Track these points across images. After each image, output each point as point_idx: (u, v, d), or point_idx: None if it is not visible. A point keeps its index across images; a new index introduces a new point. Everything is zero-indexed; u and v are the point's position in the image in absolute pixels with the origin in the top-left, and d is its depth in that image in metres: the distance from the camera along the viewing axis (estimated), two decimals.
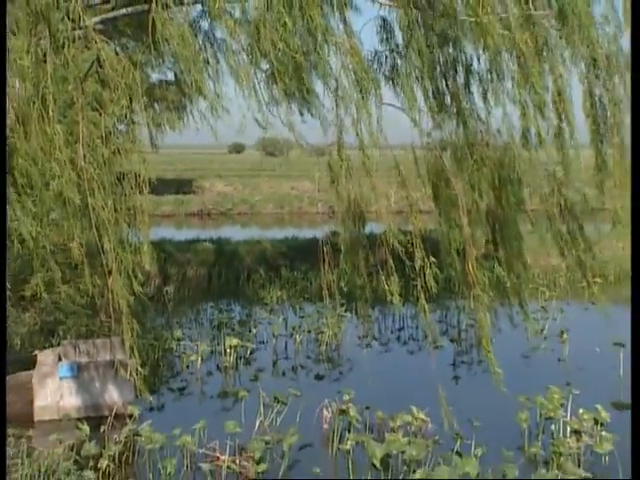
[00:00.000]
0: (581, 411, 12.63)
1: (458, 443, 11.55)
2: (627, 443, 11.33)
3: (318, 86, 11.06)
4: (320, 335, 18.72)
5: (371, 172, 10.89)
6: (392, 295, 11.20)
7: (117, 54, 10.43)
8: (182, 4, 11.30)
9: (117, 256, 9.93)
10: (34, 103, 9.63)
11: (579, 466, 11.16)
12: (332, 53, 10.75)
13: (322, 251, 11.46)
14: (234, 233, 36.57)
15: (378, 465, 11.06)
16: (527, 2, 10.48)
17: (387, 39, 12.10)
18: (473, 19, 10.43)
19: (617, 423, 12.41)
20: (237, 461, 11.41)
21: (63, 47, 9.87)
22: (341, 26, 10.83)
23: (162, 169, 50.47)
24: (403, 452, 11.25)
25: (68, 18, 9.92)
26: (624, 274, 24.85)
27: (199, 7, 11.43)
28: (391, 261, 11.24)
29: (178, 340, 18.17)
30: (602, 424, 12.35)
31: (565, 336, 18.72)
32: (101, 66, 10.34)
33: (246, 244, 30.88)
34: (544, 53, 10.95)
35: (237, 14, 10.94)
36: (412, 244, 11.22)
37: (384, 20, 11.94)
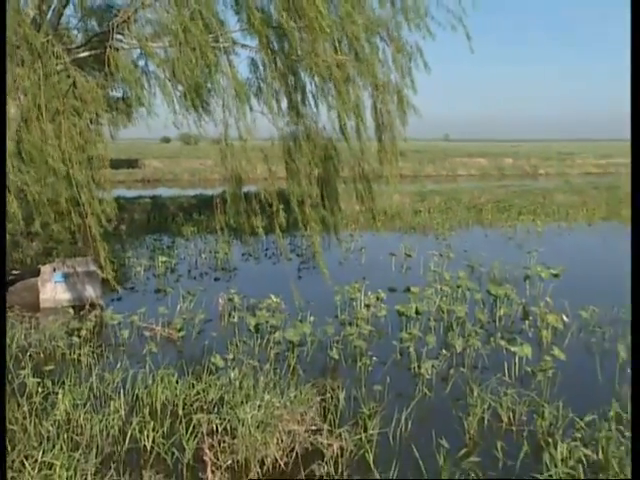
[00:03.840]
0: (370, 293, 13.43)
1: (300, 315, 12.13)
2: (394, 311, 12.34)
3: (213, 98, 11.51)
4: (217, 254, 18.97)
5: (246, 153, 11.43)
6: (258, 228, 11.80)
7: (86, 80, 10.54)
8: (127, 48, 11.61)
9: (90, 205, 10.23)
10: (33, 110, 9.79)
11: (368, 324, 11.84)
12: (221, 79, 11.23)
13: (216, 202, 11.96)
14: (164, 192, 36.24)
15: (252, 330, 11.48)
16: (336, 51, 11.02)
17: (254, 71, 12.51)
18: (308, 59, 11.01)
19: (390, 299, 13.26)
20: (166, 330, 11.78)
21: (51, 75, 10.05)
22: (226, 62, 11.30)
23: (118, 153, 49.80)
24: (267, 322, 11.71)
25: (54, 57, 10.12)
26: (395, 214, 25.95)
27: (138, 50, 11.65)
28: (258, 208, 11.82)
29: (128, 258, 18.30)
30: (381, 300, 13.17)
31: (362, 251, 19.61)
32: (76, 87, 10.53)
33: (171, 199, 31.16)
34: (348, 81, 11.48)
35: (162, 55, 11.29)
36: (272, 197, 11.85)
37: (252, 59, 12.37)
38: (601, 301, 12.99)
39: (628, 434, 7.42)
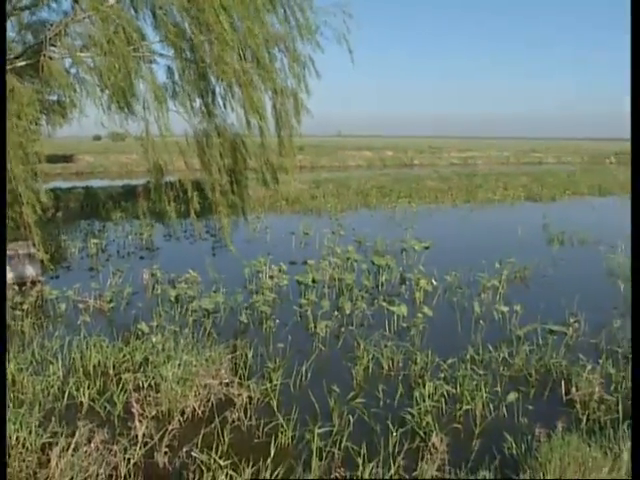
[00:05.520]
0: (273, 266, 13.43)
1: (214, 287, 12.00)
2: (294, 281, 12.49)
3: (135, 101, 11.27)
4: (142, 235, 18.51)
5: (165, 148, 11.28)
6: (172, 213, 11.66)
7: (24, 86, 10.17)
8: (59, 58, 11.19)
9: (27, 196, 9.88)
10: None
11: (272, 292, 11.90)
12: (142, 83, 11.03)
13: (141, 191, 11.78)
14: (95, 183, 34.38)
15: (173, 300, 11.36)
16: (241, 59, 11.01)
17: (171, 76, 12.29)
18: (216, 66, 10.96)
19: (290, 271, 13.33)
20: (98, 302, 11.41)
21: None
22: (146, 69, 11.10)
23: (55, 149, 47.84)
24: (186, 293, 11.62)
25: None
26: (295, 198, 25.97)
27: (69, 60, 11.27)
28: (177, 195, 11.65)
29: (64, 241, 17.52)
30: (283, 272, 13.21)
31: (267, 230, 19.45)
32: (14, 92, 10.12)
33: (102, 189, 29.78)
34: (251, 85, 11.46)
35: (90, 63, 10.97)
36: (187, 185, 11.74)
37: (169, 67, 12.18)
38: (461, 267, 13.67)
39: (480, 372, 8.02)
